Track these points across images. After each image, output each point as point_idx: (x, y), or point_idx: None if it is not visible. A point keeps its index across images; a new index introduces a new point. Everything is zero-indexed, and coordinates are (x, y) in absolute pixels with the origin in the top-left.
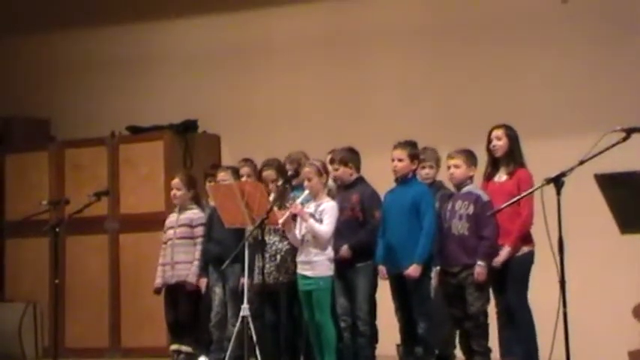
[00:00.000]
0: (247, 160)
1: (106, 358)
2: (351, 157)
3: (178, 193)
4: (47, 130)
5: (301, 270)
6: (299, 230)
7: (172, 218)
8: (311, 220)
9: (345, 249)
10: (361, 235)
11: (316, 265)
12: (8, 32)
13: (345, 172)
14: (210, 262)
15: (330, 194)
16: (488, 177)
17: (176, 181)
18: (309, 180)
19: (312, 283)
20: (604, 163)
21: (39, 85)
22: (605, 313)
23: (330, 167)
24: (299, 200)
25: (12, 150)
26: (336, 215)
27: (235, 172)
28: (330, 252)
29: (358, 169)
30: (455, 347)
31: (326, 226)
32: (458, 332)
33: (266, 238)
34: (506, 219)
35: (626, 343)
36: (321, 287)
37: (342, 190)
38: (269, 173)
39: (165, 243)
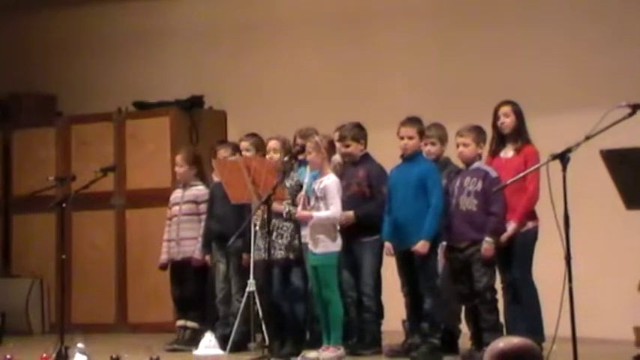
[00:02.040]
0: (249, 135)
1: (112, 334)
2: (361, 133)
3: (180, 170)
4: (54, 106)
5: (309, 245)
6: (300, 207)
7: (177, 194)
8: (316, 216)
9: (350, 214)
10: (369, 206)
11: (321, 241)
12: (15, 9)
13: (357, 148)
14: (212, 239)
15: (336, 170)
16: (494, 153)
17: (177, 158)
18: (309, 154)
19: (318, 258)
20: (610, 138)
21: (46, 61)
22: (611, 289)
23: (337, 144)
24: (305, 185)
25: (19, 126)
26: (339, 190)
27: (236, 149)
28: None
29: (366, 145)
30: (460, 322)
31: (333, 207)
32: (464, 308)
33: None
34: (511, 195)
35: (631, 319)
36: (326, 263)
37: (348, 166)
38: (272, 143)
39: (170, 219)
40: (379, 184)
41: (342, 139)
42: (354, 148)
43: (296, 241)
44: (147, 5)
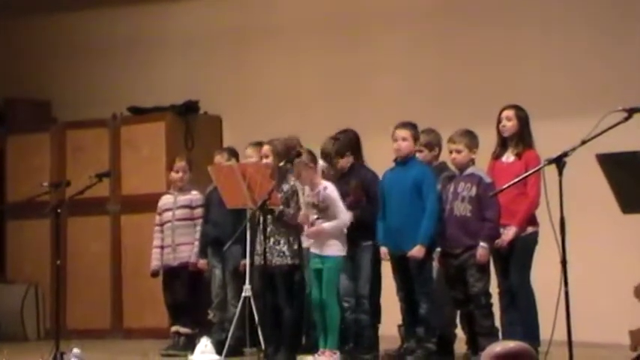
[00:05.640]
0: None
1: (107, 339)
2: (346, 145)
3: (185, 175)
4: (49, 112)
5: (313, 248)
6: (307, 226)
7: (168, 200)
8: (326, 227)
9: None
10: (366, 210)
11: (332, 245)
12: (9, 13)
13: (348, 161)
14: (209, 244)
15: (325, 175)
16: (497, 157)
17: (182, 164)
18: (299, 175)
19: (326, 260)
20: (606, 143)
21: (40, 66)
22: (607, 293)
23: (321, 161)
24: (307, 198)
25: (13, 131)
26: (338, 195)
27: (232, 154)
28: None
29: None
30: (456, 327)
31: (342, 215)
32: (459, 313)
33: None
34: (511, 200)
35: (627, 323)
36: (333, 266)
37: (336, 178)
38: (264, 149)
39: (162, 225)
40: (376, 189)
41: (338, 154)
42: (345, 162)
43: (294, 247)
44: (142, 10)
